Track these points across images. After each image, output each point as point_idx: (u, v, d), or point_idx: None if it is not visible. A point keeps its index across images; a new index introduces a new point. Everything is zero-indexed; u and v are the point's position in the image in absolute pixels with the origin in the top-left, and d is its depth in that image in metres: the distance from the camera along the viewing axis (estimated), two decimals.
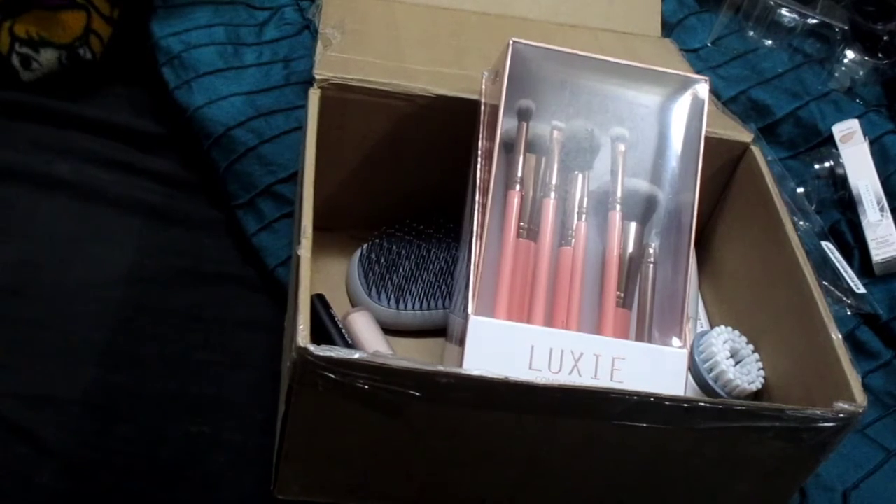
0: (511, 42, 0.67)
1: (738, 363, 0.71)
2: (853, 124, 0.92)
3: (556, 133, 0.68)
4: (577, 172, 0.68)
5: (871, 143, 0.92)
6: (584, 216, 0.67)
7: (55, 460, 0.64)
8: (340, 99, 0.71)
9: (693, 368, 0.70)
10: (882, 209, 0.88)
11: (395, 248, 0.77)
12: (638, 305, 0.67)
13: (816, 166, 0.92)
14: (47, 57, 0.87)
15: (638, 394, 0.55)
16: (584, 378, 0.62)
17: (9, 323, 0.71)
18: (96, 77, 0.91)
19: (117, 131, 0.87)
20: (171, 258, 0.79)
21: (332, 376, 0.53)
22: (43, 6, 0.86)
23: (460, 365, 0.61)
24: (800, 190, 0.90)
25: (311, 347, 0.52)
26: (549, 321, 0.64)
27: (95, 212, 0.80)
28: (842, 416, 0.57)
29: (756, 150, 0.76)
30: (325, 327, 0.72)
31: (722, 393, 0.69)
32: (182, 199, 0.83)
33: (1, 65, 0.86)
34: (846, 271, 0.84)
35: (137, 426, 0.68)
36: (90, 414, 0.67)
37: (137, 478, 0.65)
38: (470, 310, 0.62)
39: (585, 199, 0.68)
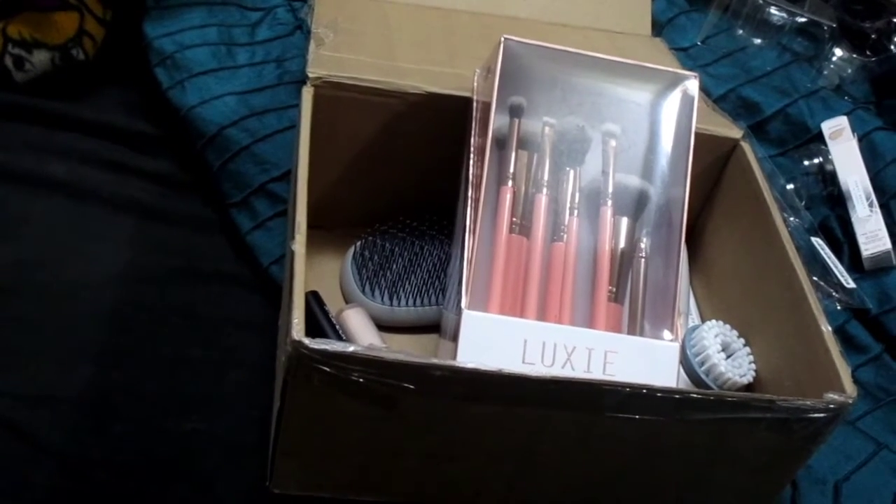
0: (503, 39, 0.68)
1: (729, 357, 0.71)
2: (842, 121, 0.93)
3: (547, 129, 0.69)
4: (568, 169, 0.69)
5: (860, 140, 0.93)
6: (575, 212, 0.68)
7: (51, 458, 0.65)
8: (333, 97, 0.71)
9: (685, 362, 0.71)
10: (871, 205, 0.88)
11: (388, 244, 0.77)
12: (630, 300, 0.67)
13: (806, 163, 0.93)
14: (40, 58, 0.87)
15: (630, 386, 0.55)
16: (577, 371, 0.62)
17: (3, 322, 0.71)
18: (89, 78, 0.91)
19: (111, 131, 0.87)
20: (165, 257, 0.79)
21: (327, 370, 0.53)
22: (36, 7, 0.86)
23: (454, 360, 0.61)
24: (789, 187, 0.90)
25: (306, 341, 0.52)
26: (542, 315, 0.65)
27: (89, 211, 0.80)
28: (832, 406, 0.58)
29: (746, 147, 0.77)
30: (320, 324, 0.72)
31: (713, 386, 0.70)
32: (176, 199, 0.84)
33: None
34: (836, 266, 0.85)
35: (133, 424, 0.68)
36: (86, 412, 0.67)
37: (133, 475, 0.66)
38: (463, 304, 0.62)
39: (577, 195, 0.68)
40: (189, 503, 0.66)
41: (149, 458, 0.66)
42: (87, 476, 0.65)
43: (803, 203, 0.90)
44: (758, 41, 1.02)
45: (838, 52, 1.01)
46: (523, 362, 0.62)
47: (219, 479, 0.66)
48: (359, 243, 0.78)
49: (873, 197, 0.89)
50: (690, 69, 0.76)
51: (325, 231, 0.77)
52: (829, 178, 0.92)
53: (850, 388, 0.59)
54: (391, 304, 0.75)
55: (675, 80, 0.71)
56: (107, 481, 0.65)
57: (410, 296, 0.75)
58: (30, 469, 0.64)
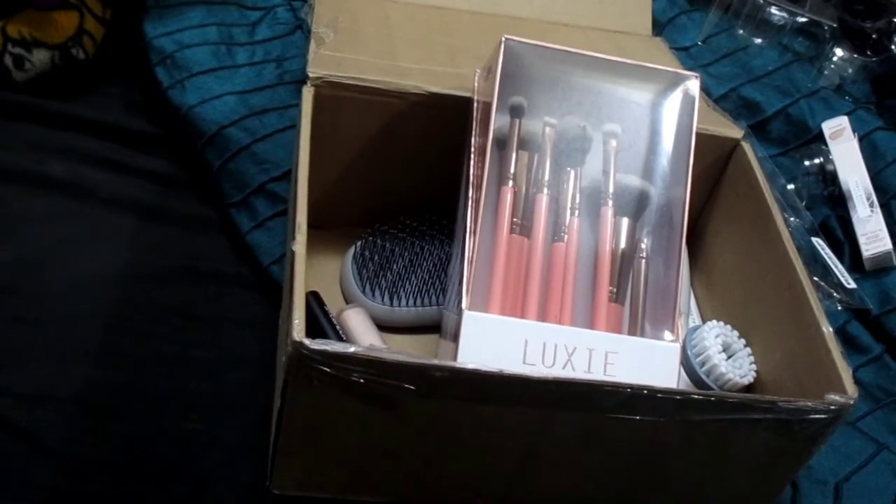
0: (503, 39, 0.67)
1: (730, 357, 0.71)
2: (843, 121, 0.93)
3: (548, 130, 0.69)
4: (569, 169, 0.69)
5: (861, 140, 0.92)
6: (576, 212, 0.68)
7: (51, 459, 0.65)
8: (334, 97, 0.71)
9: (685, 363, 0.71)
10: (872, 205, 0.88)
11: (388, 245, 0.77)
12: (630, 300, 0.67)
13: (807, 163, 0.93)
14: (40, 57, 0.87)
15: (631, 386, 0.55)
16: (578, 372, 0.62)
17: (4, 322, 0.71)
18: (89, 77, 0.91)
19: (110, 131, 0.87)
20: (164, 257, 0.79)
21: (328, 370, 0.53)
22: (35, 7, 0.86)
23: (455, 360, 0.61)
24: (790, 187, 0.90)
25: (307, 341, 0.52)
26: (543, 316, 0.65)
27: (89, 211, 0.80)
28: (833, 407, 0.58)
29: (747, 147, 0.77)
30: (320, 324, 0.72)
31: (714, 387, 0.70)
32: (176, 198, 0.84)
33: None
34: (837, 266, 0.85)
35: (133, 424, 0.68)
36: (86, 412, 0.67)
37: (133, 475, 0.66)
38: (464, 305, 0.62)
39: (578, 196, 0.68)
40: (189, 503, 0.65)
41: (149, 458, 0.66)
42: (87, 476, 0.65)
43: (804, 203, 0.90)
44: (758, 41, 1.02)
45: (839, 51, 1.01)
46: (524, 363, 0.62)
47: (219, 479, 0.66)
48: (359, 243, 0.78)
49: (874, 197, 0.89)
50: (691, 69, 0.76)
51: (325, 231, 0.77)
52: (829, 178, 0.92)
53: (851, 389, 0.59)
54: (391, 305, 0.75)
55: (676, 80, 0.71)
56: (106, 481, 0.65)
57: (411, 296, 0.75)
58: (30, 469, 0.64)
